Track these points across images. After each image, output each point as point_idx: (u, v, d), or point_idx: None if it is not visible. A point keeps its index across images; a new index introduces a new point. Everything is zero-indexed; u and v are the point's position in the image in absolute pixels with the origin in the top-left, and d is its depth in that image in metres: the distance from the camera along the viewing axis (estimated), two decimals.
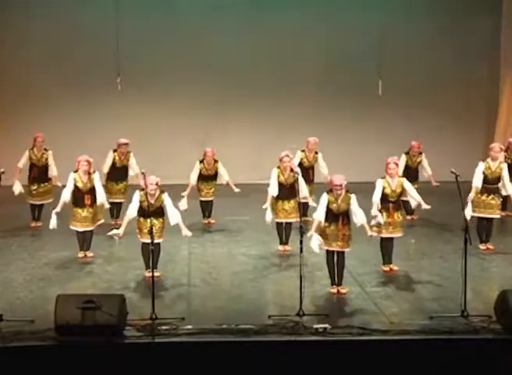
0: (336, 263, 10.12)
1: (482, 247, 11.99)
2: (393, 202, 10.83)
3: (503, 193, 12.05)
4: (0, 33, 17.71)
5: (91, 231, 11.67)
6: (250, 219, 13.94)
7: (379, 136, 17.37)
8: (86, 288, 10.18)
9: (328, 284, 10.15)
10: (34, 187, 13.64)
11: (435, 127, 17.32)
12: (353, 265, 10.93)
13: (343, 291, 10.00)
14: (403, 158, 14.03)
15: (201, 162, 13.67)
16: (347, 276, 10.38)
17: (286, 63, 17.88)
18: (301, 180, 11.78)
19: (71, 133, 17.44)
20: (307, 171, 13.54)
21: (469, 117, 18.37)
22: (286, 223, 12.10)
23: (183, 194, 13.21)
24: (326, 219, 10.04)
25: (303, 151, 13.74)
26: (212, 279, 10.63)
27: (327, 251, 10.12)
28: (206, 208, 13.92)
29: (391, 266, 10.89)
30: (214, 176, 13.79)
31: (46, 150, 13.74)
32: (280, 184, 12.03)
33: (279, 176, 12.07)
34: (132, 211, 10.62)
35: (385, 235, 10.78)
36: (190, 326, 8.56)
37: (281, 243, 12.13)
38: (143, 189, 10.51)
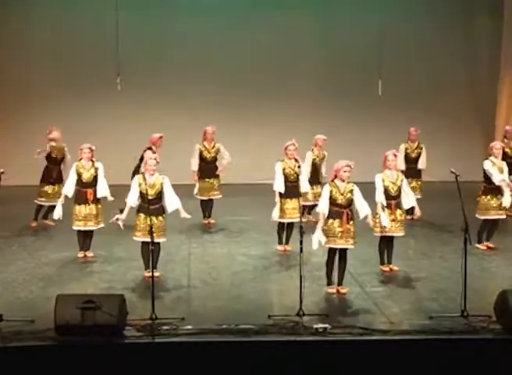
0: (338, 262, 9.96)
1: (482, 247, 11.98)
2: (395, 199, 10.76)
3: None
4: (0, 33, 17.73)
5: (92, 231, 11.65)
6: (250, 219, 13.96)
7: (379, 136, 17.34)
8: (86, 288, 10.18)
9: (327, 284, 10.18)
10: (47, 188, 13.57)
11: (434, 127, 17.31)
12: (353, 265, 10.91)
13: (343, 291, 9.92)
14: (402, 147, 14.10)
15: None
16: (347, 276, 10.37)
17: (285, 63, 17.90)
18: (303, 177, 11.72)
19: (71, 133, 17.40)
20: (318, 171, 13.43)
21: (469, 117, 18.39)
22: (289, 223, 12.01)
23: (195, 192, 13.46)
24: (329, 216, 9.82)
25: (311, 150, 13.58)
26: (212, 279, 10.63)
27: (329, 249, 9.92)
28: (206, 208, 13.90)
29: (391, 266, 10.88)
30: (215, 168, 13.65)
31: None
32: (286, 179, 11.78)
33: (284, 169, 11.82)
34: (132, 197, 10.44)
35: (387, 234, 10.74)
36: (190, 327, 8.55)
37: (280, 243, 12.09)
38: (142, 173, 10.50)
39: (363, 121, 18.01)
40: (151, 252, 9.44)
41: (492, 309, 8.79)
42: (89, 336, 8.17)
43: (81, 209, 11.54)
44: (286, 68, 17.88)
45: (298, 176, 11.31)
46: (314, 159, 13.49)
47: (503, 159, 12.26)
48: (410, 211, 13.30)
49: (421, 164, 14.32)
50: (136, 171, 12.70)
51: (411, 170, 14.05)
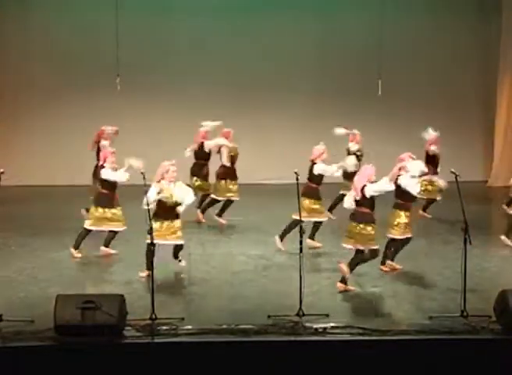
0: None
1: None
2: (413, 200, 10.83)
3: None
4: (0, 34, 17.73)
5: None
6: (250, 219, 13.96)
7: (378, 136, 17.36)
8: (86, 288, 10.18)
9: (327, 284, 10.22)
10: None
11: (434, 127, 17.30)
12: None
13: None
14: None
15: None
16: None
17: (285, 63, 17.91)
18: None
19: (71, 133, 17.46)
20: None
21: (468, 117, 18.41)
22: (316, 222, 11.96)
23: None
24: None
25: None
26: (212, 279, 10.63)
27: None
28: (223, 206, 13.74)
29: (393, 264, 10.86)
30: (234, 169, 13.62)
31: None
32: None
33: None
34: (152, 195, 10.13)
35: (405, 236, 10.74)
36: (189, 327, 8.55)
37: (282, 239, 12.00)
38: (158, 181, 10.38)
39: (363, 121, 17.93)
40: (150, 254, 9.47)
41: (492, 309, 8.79)
42: (89, 336, 8.17)
43: (105, 210, 11.43)
44: (285, 68, 17.88)
45: None
46: (358, 156, 13.61)
47: None
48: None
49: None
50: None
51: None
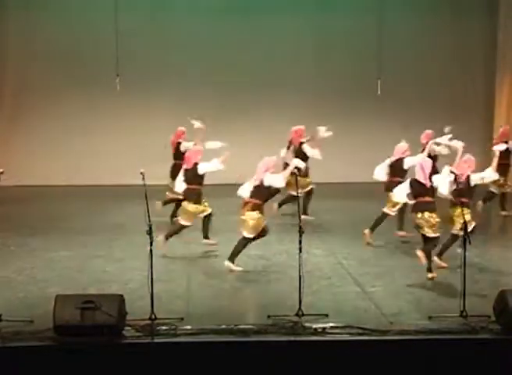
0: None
1: None
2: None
3: None
4: (0, 34, 17.74)
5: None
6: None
7: (378, 136, 17.37)
8: (85, 288, 10.17)
9: (326, 284, 10.20)
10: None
11: (434, 127, 17.31)
12: (353, 265, 10.93)
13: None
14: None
15: (288, 147, 13.88)
16: (347, 276, 10.40)
17: (285, 64, 17.92)
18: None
19: (70, 133, 17.46)
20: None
21: (468, 117, 18.39)
22: None
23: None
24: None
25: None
26: (212, 279, 10.63)
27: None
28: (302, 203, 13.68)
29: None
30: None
31: None
32: None
33: None
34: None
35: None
36: (189, 327, 8.54)
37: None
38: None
39: (362, 121, 18.02)
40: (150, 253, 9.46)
41: (492, 309, 8.79)
42: (88, 336, 8.17)
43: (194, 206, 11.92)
44: (285, 68, 17.89)
45: None
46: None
47: None
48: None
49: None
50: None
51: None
